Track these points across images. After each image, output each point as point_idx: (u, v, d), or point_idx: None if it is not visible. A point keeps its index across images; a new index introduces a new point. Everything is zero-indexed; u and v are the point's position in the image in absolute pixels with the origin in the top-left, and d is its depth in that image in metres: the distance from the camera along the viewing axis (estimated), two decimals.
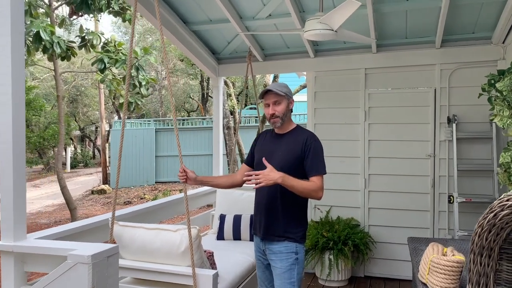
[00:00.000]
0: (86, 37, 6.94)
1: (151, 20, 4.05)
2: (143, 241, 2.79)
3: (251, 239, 4.01)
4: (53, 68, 9.77)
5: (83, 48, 7.02)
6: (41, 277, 2.28)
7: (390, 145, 4.80)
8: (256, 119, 16.26)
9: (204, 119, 18.32)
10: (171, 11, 4.38)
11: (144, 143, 16.26)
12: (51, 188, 16.57)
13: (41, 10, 8.16)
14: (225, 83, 12.50)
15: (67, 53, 6.52)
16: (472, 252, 1.50)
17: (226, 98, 11.77)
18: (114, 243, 2.83)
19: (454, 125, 4.43)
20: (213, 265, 3.01)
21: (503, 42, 4.28)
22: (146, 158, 16.15)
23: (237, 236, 4.23)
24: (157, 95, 23.09)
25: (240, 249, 3.87)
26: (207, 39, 5.01)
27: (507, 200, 1.34)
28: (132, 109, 7.50)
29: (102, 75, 7.32)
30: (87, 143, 32.24)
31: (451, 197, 4.41)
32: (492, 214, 1.39)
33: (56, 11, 9.68)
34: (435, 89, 4.64)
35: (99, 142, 24.36)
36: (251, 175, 2.41)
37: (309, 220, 4.98)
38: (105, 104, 18.21)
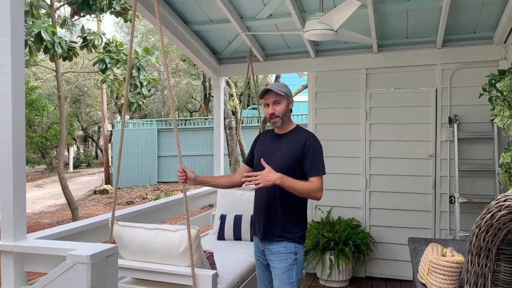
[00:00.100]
0: (87, 37, 6.95)
1: (151, 20, 4.05)
2: (142, 241, 2.80)
3: (252, 240, 4.01)
4: (55, 69, 9.79)
5: (84, 49, 7.04)
6: (41, 277, 2.28)
7: (391, 145, 4.79)
8: (258, 119, 16.26)
9: (206, 119, 18.34)
10: (172, 11, 4.38)
11: (146, 143, 16.29)
12: (54, 188, 16.61)
13: (43, 11, 8.18)
14: (227, 83, 12.51)
15: (69, 54, 6.54)
16: (469, 253, 1.49)
17: (228, 98, 11.78)
18: (114, 243, 2.83)
19: (455, 125, 4.42)
20: (212, 265, 3.02)
21: (504, 42, 4.27)
22: (148, 158, 16.17)
23: (237, 236, 4.23)
24: (160, 95, 23.12)
25: (240, 249, 3.87)
26: (208, 39, 5.01)
27: (505, 201, 1.34)
28: (133, 110, 7.51)
29: (104, 75, 7.33)
30: (89, 143, 32.34)
31: (452, 198, 4.40)
32: (489, 215, 1.39)
33: (58, 12, 9.71)
34: (436, 89, 4.63)
35: (101, 142, 24.40)
36: (249, 176, 2.41)
37: (310, 220, 5.00)
38: (107, 104, 18.26)
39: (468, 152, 4.49)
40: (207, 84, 19.80)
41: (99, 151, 29.37)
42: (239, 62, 5.27)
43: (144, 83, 6.92)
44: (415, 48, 4.62)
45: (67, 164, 24.36)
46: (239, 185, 2.79)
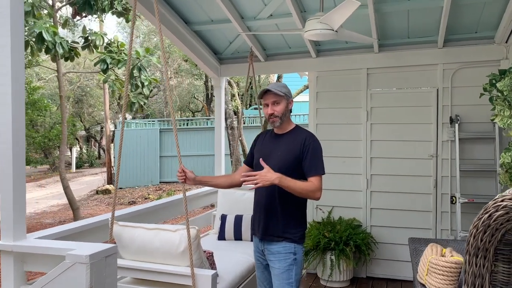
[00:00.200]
0: (89, 37, 6.97)
1: (151, 20, 4.06)
2: (142, 241, 2.80)
3: (252, 240, 4.01)
4: (56, 69, 9.82)
5: (86, 49, 7.05)
6: (40, 277, 2.29)
7: (392, 146, 4.78)
8: (260, 119, 16.26)
9: (208, 119, 18.35)
10: (172, 11, 4.39)
11: (148, 143, 16.32)
12: (56, 188, 16.64)
13: (44, 11, 8.21)
14: (229, 83, 12.52)
15: (70, 54, 6.55)
16: (467, 253, 1.49)
17: (230, 98, 11.77)
18: (114, 243, 2.84)
19: (456, 125, 4.41)
20: (212, 265, 3.02)
21: (506, 42, 4.25)
22: (150, 158, 16.20)
23: (238, 236, 4.24)
24: (162, 96, 23.14)
25: (241, 249, 3.88)
26: (208, 39, 5.02)
27: (502, 201, 1.33)
28: (134, 110, 7.52)
29: (105, 75, 7.34)
30: (92, 143, 32.39)
31: (454, 198, 4.38)
32: (486, 215, 1.38)
33: (60, 12, 9.73)
34: (437, 89, 4.61)
35: (104, 142, 24.46)
36: (248, 176, 2.41)
37: (310, 220, 5.00)
38: (110, 105, 18.29)
39: (469, 152, 4.48)
40: (209, 84, 19.81)
41: (101, 151, 29.42)
42: (240, 62, 5.27)
43: (146, 83, 6.93)
44: (416, 48, 4.61)
45: (69, 164, 24.42)
46: (238, 185, 2.79)
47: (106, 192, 15.08)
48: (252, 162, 2.79)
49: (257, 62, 5.11)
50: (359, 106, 4.90)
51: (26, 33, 6.50)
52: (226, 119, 10.50)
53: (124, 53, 6.98)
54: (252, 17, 4.42)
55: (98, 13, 6.79)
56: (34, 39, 6.02)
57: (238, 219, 4.28)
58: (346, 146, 4.96)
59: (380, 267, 4.84)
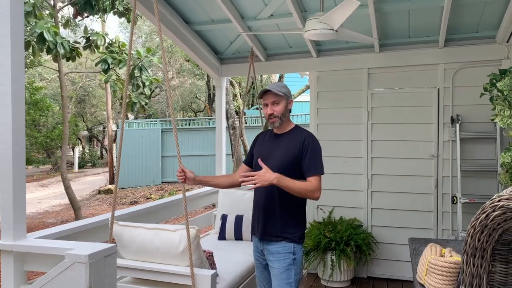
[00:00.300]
0: (90, 37, 6.98)
1: (151, 19, 4.06)
2: (142, 241, 2.81)
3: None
4: (58, 69, 9.84)
5: (88, 49, 7.07)
6: (40, 277, 2.29)
7: (393, 145, 4.78)
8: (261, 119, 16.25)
9: (210, 119, 18.36)
10: (173, 11, 4.39)
11: (150, 143, 16.35)
12: (59, 188, 16.67)
13: (46, 12, 8.22)
14: (231, 83, 12.52)
15: (72, 54, 6.57)
16: (465, 253, 1.48)
17: (232, 98, 11.77)
18: (114, 243, 2.85)
19: (457, 125, 4.40)
20: (212, 265, 3.02)
21: (507, 41, 4.24)
22: (152, 158, 16.22)
23: (238, 236, 4.24)
24: (164, 96, 23.16)
25: (241, 249, 3.88)
26: (209, 39, 5.02)
27: (499, 201, 1.33)
28: (135, 110, 7.53)
29: (106, 75, 7.36)
30: (95, 143, 32.46)
31: (455, 198, 4.38)
32: (484, 215, 1.38)
33: (62, 12, 9.75)
34: (438, 89, 4.61)
35: (106, 142, 24.51)
36: (247, 176, 2.41)
37: (311, 220, 5.00)
38: (112, 104, 18.32)
39: (470, 152, 4.47)
40: (211, 84, 19.82)
41: (104, 151, 29.48)
42: (241, 62, 5.27)
43: (147, 83, 6.94)
44: (417, 48, 4.60)
45: (72, 164, 24.48)
46: (238, 185, 2.79)
47: (108, 192, 15.11)
48: (251, 162, 2.79)
49: (258, 62, 5.11)
50: (360, 106, 4.89)
51: (27, 33, 6.52)
52: (227, 119, 10.50)
53: (125, 53, 6.99)
54: (253, 17, 4.42)
55: (100, 13, 6.80)
56: (35, 39, 6.03)
57: (239, 219, 4.29)
58: (347, 146, 4.96)
59: (381, 267, 4.83)
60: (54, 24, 7.26)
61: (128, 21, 7.38)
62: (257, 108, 18.54)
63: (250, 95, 17.49)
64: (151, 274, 2.79)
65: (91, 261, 2.11)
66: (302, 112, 15.78)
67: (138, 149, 16.23)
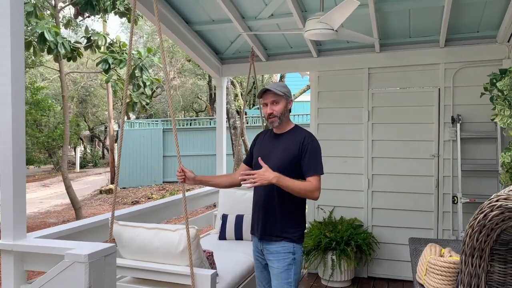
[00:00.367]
0: (91, 37, 6.99)
1: (152, 19, 4.07)
2: (142, 241, 2.81)
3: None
4: (59, 69, 9.86)
5: (89, 49, 7.08)
6: (40, 276, 2.30)
7: (393, 145, 4.77)
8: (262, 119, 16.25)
9: (211, 119, 18.38)
10: (174, 11, 4.39)
11: (152, 143, 16.37)
12: (60, 188, 16.70)
13: (47, 12, 8.24)
14: (232, 83, 12.52)
15: (73, 54, 6.58)
16: (463, 253, 1.48)
17: (233, 98, 11.78)
18: (114, 242, 2.85)
19: (458, 125, 4.39)
20: (212, 265, 3.02)
21: (508, 41, 4.23)
22: (154, 158, 16.25)
23: (239, 236, 4.24)
24: (165, 96, 23.17)
25: (241, 249, 3.88)
26: (210, 39, 5.02)
27: (497, 201, 1.33)
28: (136, 110, 7.55)
29: (107, 75, 7.37)
30: (96, 143, 32.53)
31: (455, 198, 4.37)
32: (482, 215, 1.38)
33: (63, 12, 9.77)
34: (439, 89, 4.60)
35: (108, 142, 24.55)
36: (247, 175, 2.41)
37: (312, 220, 5.00)
38: (113, 104, 18.35)
39: (471, 152, 4.46)
40: (213, 84, 19.83)
41: (105, 151, 29.54)
42: (241, 62, 5.27)
43: (147, 83, 6.94)
44: (418, 48, 4.59)
45: (74, 164, 24.52)
46: (238, 184, 2.79)
47: (110, 191, 15.13)
48: (251, 162, 2.79)
49: (259, 62, 5.11)
50: (360, 105, 4.89)
51: (28, 33, 6.53)
52: (229, 119, 10.51)
53: (126, 53, 6.99)
54: (253, 17, 4.42)
55: (101, 13, 6.81)
56: (36, 40, 6.05)
57: (239, 219, 4.29)
58: (347, 146, 4.95)
59: (382, 267, 4.82)
60: (55, 24, 7.28)
61: (129, 21, 7.38)
62: (258, 108, 18.56)
63: (251, 95, 17.48)
64: (151, 274, 2.79)
65: (90, 260, 2.12)
66: (303, 112, 15.78)
67: (139, 149, 16.26)
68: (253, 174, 2.39)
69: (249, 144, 11.68)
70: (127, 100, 7.23)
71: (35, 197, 15.18)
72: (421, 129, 4.66)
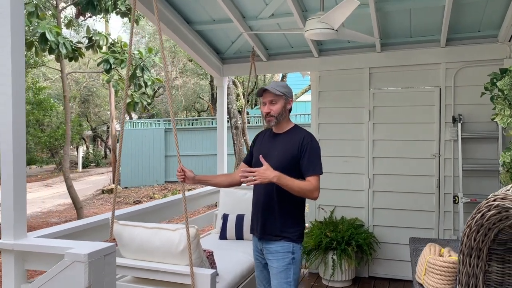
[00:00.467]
0: (93, 38, 7.01)
1: (152, 19, 4.07)
2: (142, 240, 2.82)
3: None
4: (60, 69, 9.88)
5: (90, 49, 7.09)
6: (40, 275, 2.31)
7: (394, 145, 4.76)
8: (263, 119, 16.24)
9: (213, 119, 18.38)
10: (174, 11, 4.40)
11: (153, 143, 16.40)
12: (63, 188, 16.72)
13: (49, 12, 8.26)
14: (234, 83, 12.52)
15: (74, 54, 6.59)
16: (461, 253, 1.48)
17: (235, 98, 11.78)
18: (114, 242, 2.86)
19: (459, 124, 4.38)
20: (212, 265, 3.03)
21: (509, 41, 4.22)
22: (156, 158, 16.27)
23: (239, 236, 4.25)
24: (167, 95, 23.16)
25: (242, 249, 3.88)
26: (210, 39, 5.03)
27: (494, 200, 1.33)
28: (137, 109, 7.56)
29: (108, 75, 7.39)
30: (99, 143, 32.58)
31: (456, 198, 4.36)
32: (479, 215, 1.38)
33: (65, 13, 9.78)
34: (440, 88, 4.59)
35: (110, 142, 24.61)
36: (247, 172, 2.41)
37: (313, 220, 5.00)
38: (115, 104, 18.36)
39: (472, 152, 4.45)
40: (214, 84, 19.83)
41: (108, 151, 29.59)
42: (242, 61, 5.28)
43: (149, 83, 6.95)
44: (419, 47, 4.59)
45: (76, 163, 24.57)
46: (238, 183, 2.79)
47: (112, 191, 15.14)
48: (251, 161, 2.79)
49: (260, 61, 5.11)
50: (361, 105, 4.89)
51: (30, 33, 6.55)
52: (230, 119, 10.52)
53: (127, 53, 7.01)
54: (254, 16, 4.42)
55: (102, 13, 6.82)
56: (37, 40, 6.06)
57: (240, 219, 4.29)
58: (348, 145, 4.95)
59: (383, 267, 4.82)
60: (56, 24, 7.30)
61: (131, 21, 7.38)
62: (259, 108, 18.57)
63: (253, 95, 17.48)
64: (151, 273, 2.80)
65: (90, 260, 2.12)
66: (305, 111, 15.78)
67: (141, 149, 16.29)
68: (253, 172, 2.39)
69: (250, 144, 11.69)
70: (129, 100, 7.23)
71: (37, 196, 15.23)
72: (422, 129, 4.66)
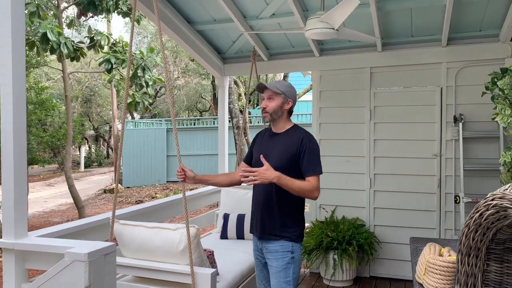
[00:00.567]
0: (94, 37, 7.02)
1: (152, 18, 4.07)
2: (143, 240, 2.83)
3: None
4: (62, 69, 9.90)
5: (92, 49, 7.11)
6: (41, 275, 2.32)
7: (395, 145, 4.76)
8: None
9: (215, 118, 18.38)
10: (175, 11, 4.41)
11: (156, 142, 16.42)
12: (65, 187, 16.72)
13: (51, 12, 8.28)
14: (235, 82, 12.52)
15: (76, 54, 6.61)
16: (460, 252, 1.48)
17: (236, 97, 11.78)
18: (115, 241, 2.87)
19: (460, 124, 4.37)
20: (213, 264, 3.03)
21: (510, 40, 4.21)
22: (157, 158, 16.29)
23: (240, 235, 4.25)
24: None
25: (243, 248, 3.88)
26: (211, 38, 5.03)
27: (492, 200, 1.33)
28: (138, 109, 7.57)
29: (110, 75, 7.40)
30: (101, 142, 32.63)
31: (457, 197, 4.36)
32: (477, 214, 1.38)
33: (66, 13, 9.80)
34: (441, 88, 4.58)
35: (112, 141, 24.65)
36: (247, 172, 2.41)
37: (314, 219, 4.99)
38: (117, 104, 18.40)
39: (473, 152, 4.44)
40: (216, 83, 19.83)
41: (110, 151, 29.63)
42: (243, 61, 5.28)
43: (150, 83, 6.97)
44: (420, 47, 4.58)
45: (78, 163, 24.62)
46: (238, 183, 2.79)
47: (114, 191, 15.19)
48: (251, 161, 2.79)
49: (261, 61, 5.11)
50: (362, 105, 4.88)
51: (31, 33, 6.56)
52: (232, 119, 10.52)
53: (128, 52, 7.01)
54: (255, 16, 4.42)
55: (103, 13, 6.84)
56: (39, 40, 6.07)
57: (241, 218, 4.29)
58: (349, 145, 4.94)
59: (384, 267, 4.82)
60: (58, 24, 7.31)
61: None
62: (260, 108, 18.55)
63: (255, 94, 17.49)
64: (152, 273, 2.80)
65: (90, 259, 2.13)
66: (307, 111, 15.76)
67: (143, 149, 16.32)
68: (254, 172, 2.39)
69: None
70: (130, 100, 7.25)
71: (39, 196, 15.27)
72: (423, 129, 4.65)
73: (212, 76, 19.11)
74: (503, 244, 1.42)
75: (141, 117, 23.16)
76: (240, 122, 10.79)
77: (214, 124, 17.50)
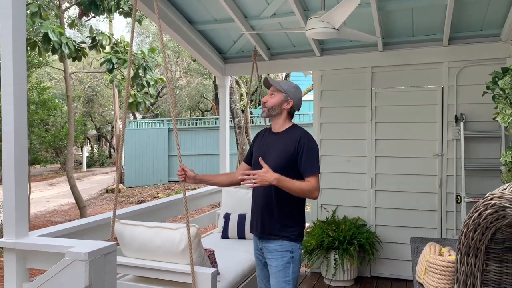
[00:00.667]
0: (96, 37, 7.03)
1: (153, 18, 4.08)
2: (143, 239, 2.83)
3: None
4: (63, 69, 9.93)
5: (93, 49, 7.12)
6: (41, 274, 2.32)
7: (397, 144, 4.75)
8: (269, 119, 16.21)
9: (217, 118, 18.39)
10: (176, 11, 4.41)
11: (157, 142, 16.44)
12: (67, 187, 16.75)
13: (52, 12, 8.29)
14: (237, 82, 12.52)
15: (78, 54, 6.63)
16: (459, 252, 1.48)
17: (238, 97, 11.78)
18: (116, 241, 2.87)
19: (462, 123, 4.37)
20: (213, 264, 3.04)
21: None
22: (159, 157, 16.32)
23: (241, 235, 4.25)
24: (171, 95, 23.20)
25: (244, 248, 3.89)
26: (213, 38, 5.03)
27: (491, 199, 1.32)
28: (140, 109, 7.59)
29: (111, 75, 7.42)
30: (103, 142, 32.70)
31: (459, 197, 4.35)
32: (476, 214, 1.37)
33: (68, 13, 9.82)
34: (442, 88, 4.58)
35: (115, 141, 24.67)
36: (247, 175, 2.41)
37: (315, 219, 4.99)
38: (119, 104, 18.43)
39: (474, 151, 4.44)
40: (217, 83, 19.83)
41: (112, 151, 29.69)
42: (244, 61, 5.28)
43: (151, 83, 6.98)
44: (421, 46, 4.57)
45: (81, 163, 24.67)
46: (238, 183, 2.79)
47: None
48: (251, 161, 2.79)
49: (262, 61, 5.11)
50: (363, 105, 4.88)
51: (33, 33, 6.58)
52: (233, 118, 10.52)
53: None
54: (256, 16, 4.42)
55: (105, 13, 6.85)
56: (40, 40, 6.09)
57: (242, 218, 4.30)
58: (350, 145, 4.94)
59: (385, 267, 4.81)
60: (59, 24, 7.33)
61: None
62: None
63: (256, 94, 17.49)
64: (152, 272, 2.81)
65: (91, 259, 2.14)
66: (309, 111, 15.75)
67: (145, 149, 16.34)
68: (253, 174, 2.39)
69: None
70: (131, 100, 7.26)
71: (42, 196, 15.30)
72: (425, 128, 4.64)
73: (214, 76, 19.14)
74: (502, 243, 1.42)
75: (143, 117, 23.19)
76: (242, 122, 10.79)
77: (216, 124, 17.51)
